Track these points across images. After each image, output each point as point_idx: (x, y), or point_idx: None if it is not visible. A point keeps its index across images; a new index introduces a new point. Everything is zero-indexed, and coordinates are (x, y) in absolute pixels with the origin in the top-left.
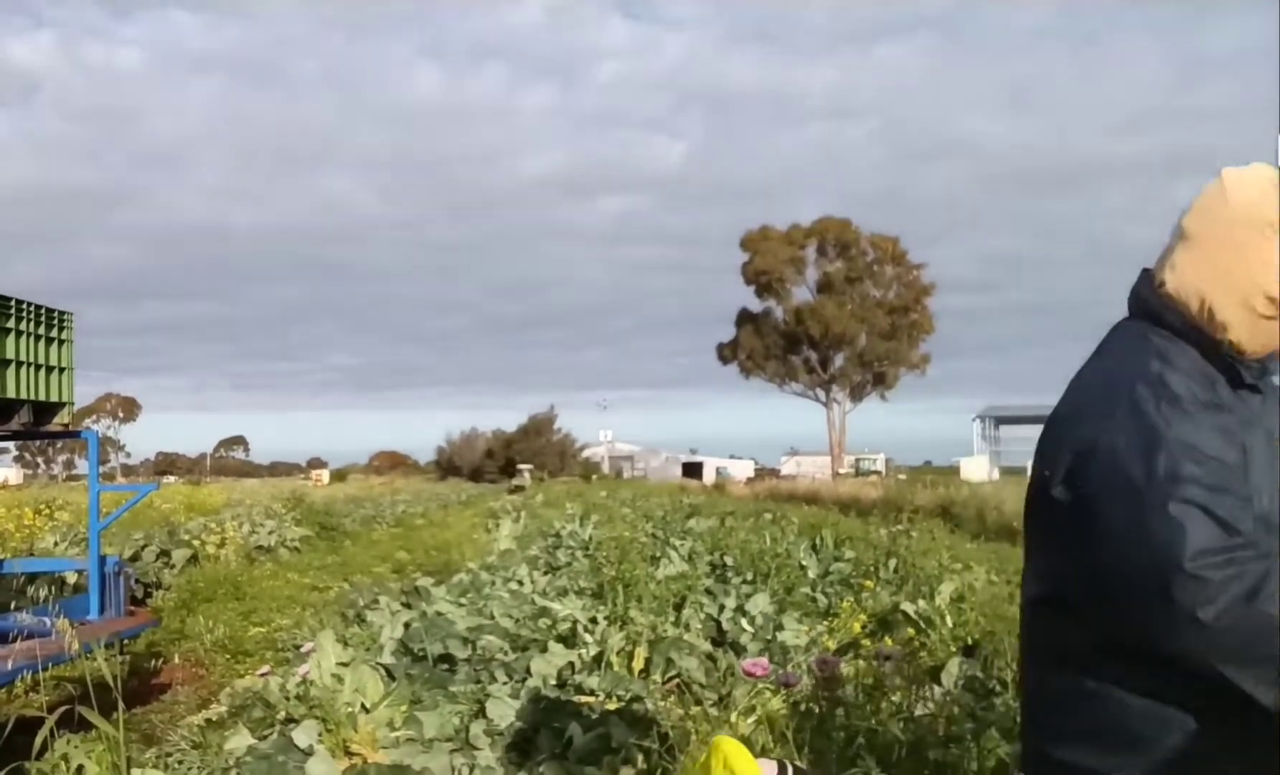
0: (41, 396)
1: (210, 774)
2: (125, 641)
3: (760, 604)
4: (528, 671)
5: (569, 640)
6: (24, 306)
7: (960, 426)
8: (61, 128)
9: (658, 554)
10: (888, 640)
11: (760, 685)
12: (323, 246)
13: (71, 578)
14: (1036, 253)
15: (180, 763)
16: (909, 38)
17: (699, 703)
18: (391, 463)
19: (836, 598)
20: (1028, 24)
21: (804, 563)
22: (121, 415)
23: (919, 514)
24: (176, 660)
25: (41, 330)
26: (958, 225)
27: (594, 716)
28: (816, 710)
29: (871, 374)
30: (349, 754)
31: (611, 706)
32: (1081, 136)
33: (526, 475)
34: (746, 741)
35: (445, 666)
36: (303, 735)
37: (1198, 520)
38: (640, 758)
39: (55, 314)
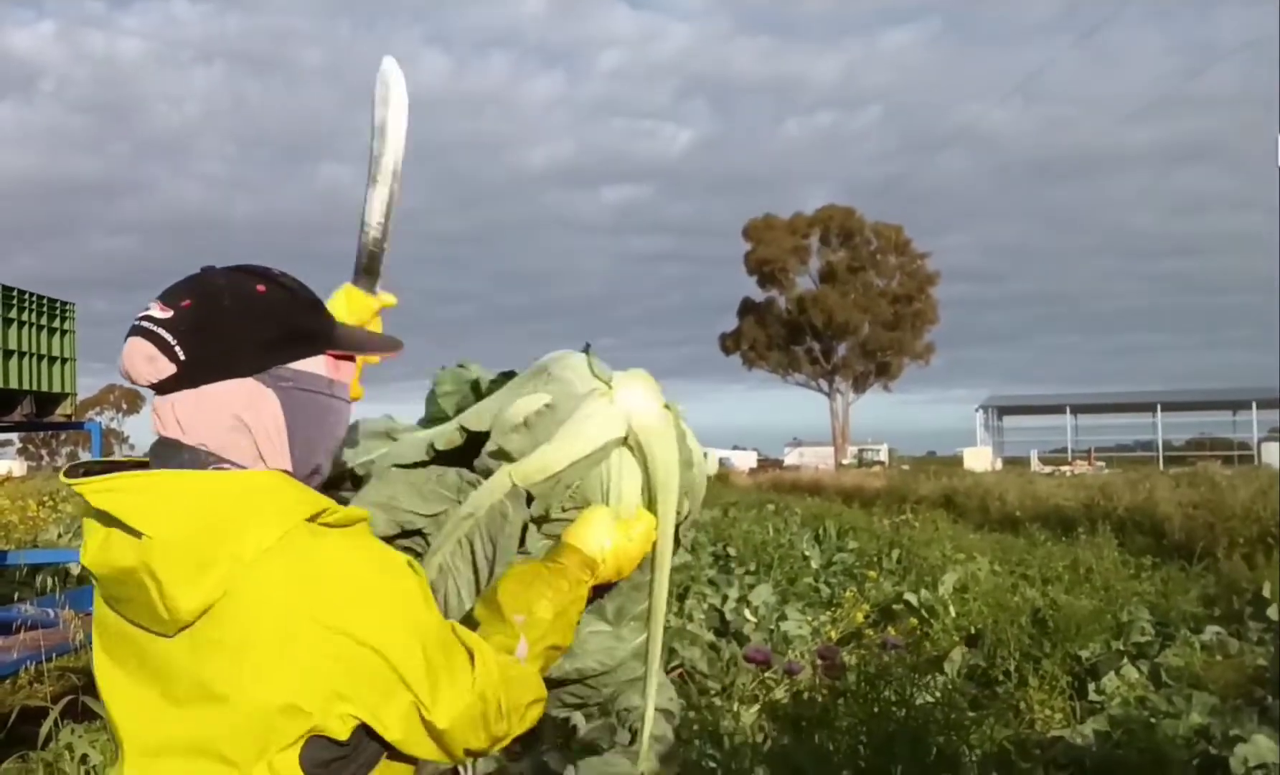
0: (44, 388)
1: None
2: None
3: (763, 594)
4: None
5: None
6: (26, 297)
7: (964, 417)
8: (63, 118)
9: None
10: (891, 630)
11: (764, 675)
12: (325, 238)
13: (75, 569)
14: (1042, 242)
15: None
16: (915, 26)
17: (703, 693)
18: None
19: (840, 588)
20: (1034, 12)
21: (807, 553)
22: (125, 407)
23: (922, 504)
24: None
25: (44, 321)
26: (963, 214)
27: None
28: (819, 699)
29: (875, 364)
30: None
31: None
32: (1088, 125)
33: None
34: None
35: None
36: None
37: None
38: None
39: (58, 305)
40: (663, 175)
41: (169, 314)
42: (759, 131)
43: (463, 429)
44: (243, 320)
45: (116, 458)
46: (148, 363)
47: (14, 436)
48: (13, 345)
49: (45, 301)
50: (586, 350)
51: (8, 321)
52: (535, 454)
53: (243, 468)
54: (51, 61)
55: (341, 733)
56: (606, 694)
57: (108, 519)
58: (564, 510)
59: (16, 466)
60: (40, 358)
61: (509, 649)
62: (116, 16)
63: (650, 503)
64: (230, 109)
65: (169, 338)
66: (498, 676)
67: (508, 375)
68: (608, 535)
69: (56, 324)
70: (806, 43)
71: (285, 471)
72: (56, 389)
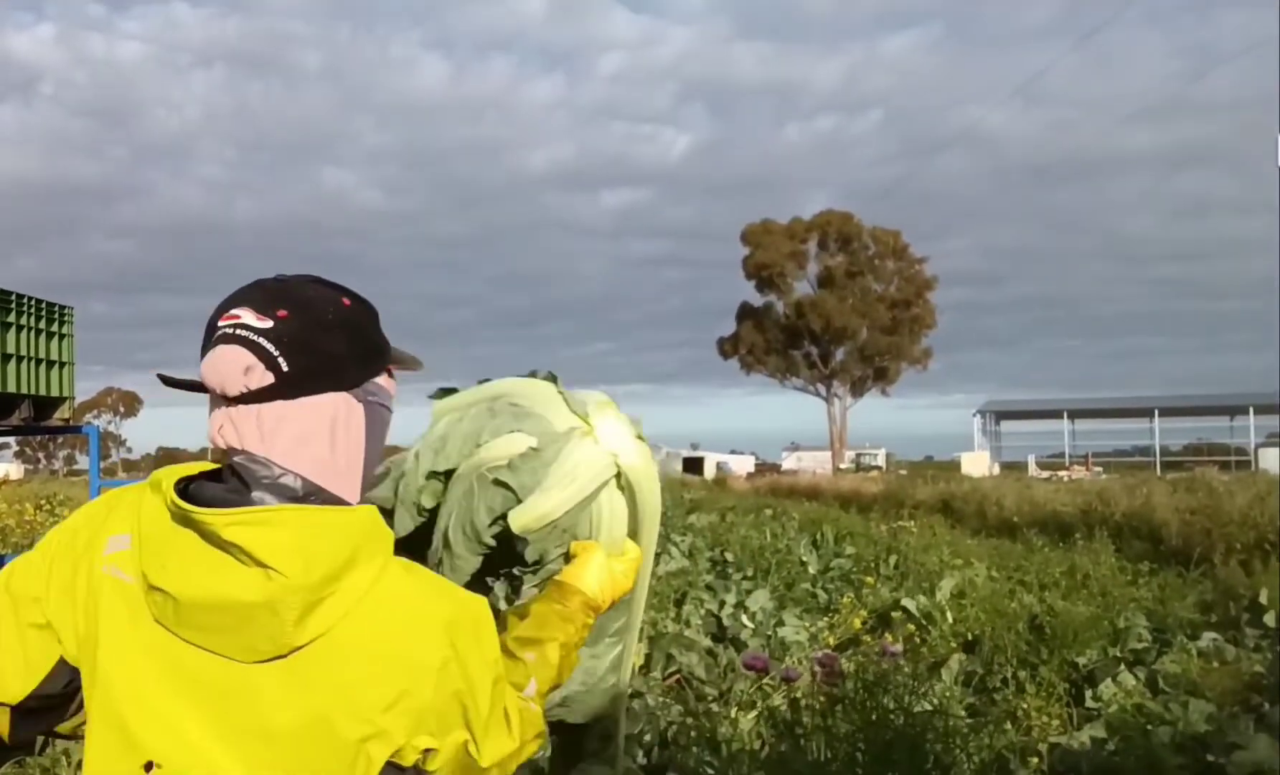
0: (42, 391)
1: None
2: None
3: (761, 600)
4: None
5: None
6: (25, 301)
7: (961, 421)
8: (62, 121)
9: (658, 549)
10: (888, 636)
11: (761, 681)
12: (326, 241)
13: None
14: (1041, 246)
15: None
16: (916, 30)
17: (700, 698)
18: (393, 456)
19: (837, 594)
20: (1034, 15)
21: (804, 558)
22: (122, 410)
23: (920, 509)
24: None
25: (42, 325)
26: (963, 217)
27: None
28: (817, 706)
29: (872, 369)
30: None
31: None
32: (1088, 128)
33: None
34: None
35: None
36: None
37: None
38: (640, 753)
39: (56, 308)
40: (662, 179)
41: (268, 323)
42: (759, 136)
43: (433, 473)
44: (343, 334)
45: (189, 464)
46: (243, 373)
47: (11, 440)
48: (11, 349)
49: (43, 306)
50: (554, 381)
51: (5, 326)
52: (530, 502)
53: (324, 487)
54: (51, 64)
55: (409, 761)
56: (584, 708)
57: (222, 545)
58: (556, 547)
59: (14, 470)
60: (38, 362)
61: (520, 686)
62: (116, 20)
63: (634, 531)
64: (230, 112)
65: (271, 348)
66: (530, 718)
67: (448, 390)
68: (604, 573)
69: (55, 328)
70: (807, 47)
71: (367, 499)
72: (54, 393)
